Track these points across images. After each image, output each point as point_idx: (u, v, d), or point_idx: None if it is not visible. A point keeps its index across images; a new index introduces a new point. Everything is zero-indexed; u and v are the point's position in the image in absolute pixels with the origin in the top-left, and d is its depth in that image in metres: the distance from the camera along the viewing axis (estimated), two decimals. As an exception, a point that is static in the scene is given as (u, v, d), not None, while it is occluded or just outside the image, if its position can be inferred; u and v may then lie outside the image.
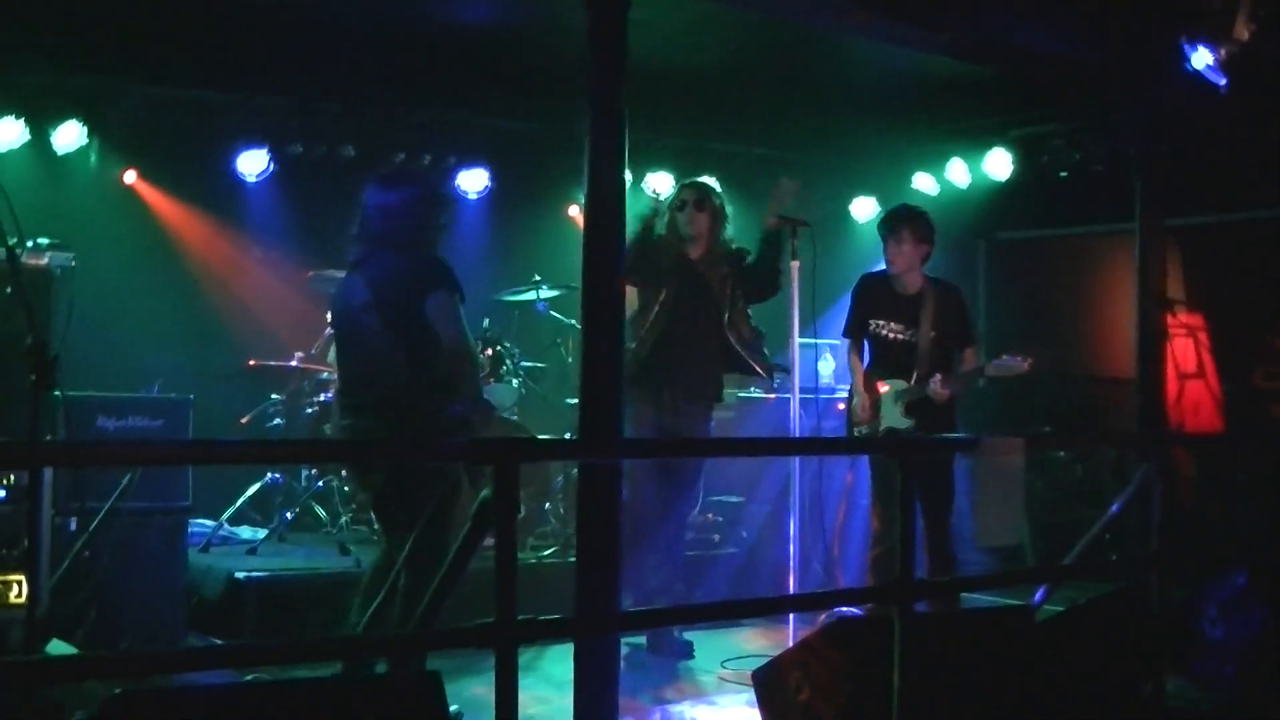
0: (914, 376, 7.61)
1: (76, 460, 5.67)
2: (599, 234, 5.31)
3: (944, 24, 7.05)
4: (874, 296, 7.83)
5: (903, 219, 7.74)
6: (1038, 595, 6.42)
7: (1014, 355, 7.42)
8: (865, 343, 7.90)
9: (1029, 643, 5.18)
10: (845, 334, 8.04)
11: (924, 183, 11.63)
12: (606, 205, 5.32)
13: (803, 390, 7.51)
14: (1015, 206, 11.52)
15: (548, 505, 9.16)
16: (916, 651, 4.46)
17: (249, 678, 5.54)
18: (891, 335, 7.71)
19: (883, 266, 7.89)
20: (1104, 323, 11.24)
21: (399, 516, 5.95)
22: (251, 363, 9.61)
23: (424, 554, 5.56)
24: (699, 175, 11.00)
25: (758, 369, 7.77)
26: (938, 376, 7.50)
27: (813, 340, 8.24)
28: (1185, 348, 10.72)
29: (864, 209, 12.13)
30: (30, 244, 6.91)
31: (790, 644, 6.14)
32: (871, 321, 7.79)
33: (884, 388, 7.72)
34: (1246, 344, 10.48)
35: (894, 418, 7.63)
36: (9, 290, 5.47)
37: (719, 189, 7.87)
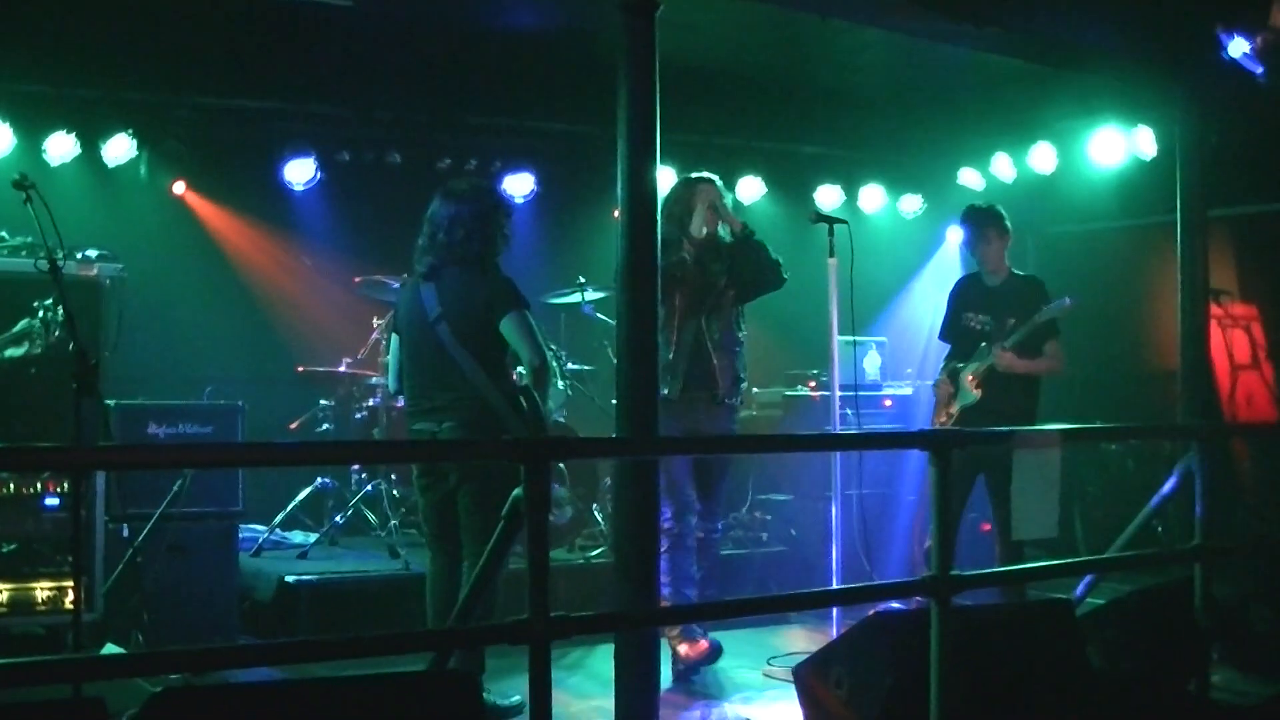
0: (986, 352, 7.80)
1: (114, 465, 5.75)
2: (634, 234, 5.34)
3: (987, 19, 7.05)
4: (964, 295, 8.15)
5: (989, 218, 8.00)
6: (1080, 588, 6.39)
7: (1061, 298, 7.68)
8: (953, 338, 8.13)
9: (1069, 636, 5.16)
10: (940, 338, 8.31)
11: (970, 178, 11.56)
12: (641, 205, 5.36)
13: (844, 387, 7.51)
14: (1062, 200, 11.43)
15: (595, 506, 9.19)
16: (955, 645, 4.45)
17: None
18: (975, 324, 7.94)
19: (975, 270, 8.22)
20: (1155, 316, 11.11)
21: (482, 524, 5.90)
22: (301, 369, 9.73)
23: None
24: (746, 174, 11.11)
25: (715, 377, 7.19)
26: (999, 344, 7.72)
27: (852, 338, 8.22)
28: (1239, 339, 10.62)
29: (911, 205, 12.06)
30: (80, 255, 7.03)
31: (833, 641, 6.15)
32: (962, 315, 8.04)
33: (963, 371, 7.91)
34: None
35: (967, 395, 7.82)
36: (50, 301, 5.58)
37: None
